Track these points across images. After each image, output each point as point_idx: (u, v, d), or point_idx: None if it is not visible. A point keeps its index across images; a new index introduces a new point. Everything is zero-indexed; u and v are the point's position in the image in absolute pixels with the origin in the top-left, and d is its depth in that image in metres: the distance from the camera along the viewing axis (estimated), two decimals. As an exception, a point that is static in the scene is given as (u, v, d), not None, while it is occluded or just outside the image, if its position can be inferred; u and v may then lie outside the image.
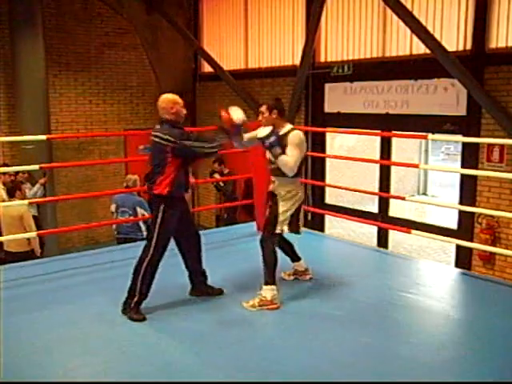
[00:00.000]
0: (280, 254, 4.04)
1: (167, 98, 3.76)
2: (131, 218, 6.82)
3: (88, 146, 10.66)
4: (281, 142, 3.83)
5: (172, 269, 3.99)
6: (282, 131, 3.90)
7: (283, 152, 3.82)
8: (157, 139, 3.65)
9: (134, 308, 3.63)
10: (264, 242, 3.88)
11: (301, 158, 3.89)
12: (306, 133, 8.87)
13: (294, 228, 4.03)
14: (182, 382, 2.89)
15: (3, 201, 6.80)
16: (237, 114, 3.87)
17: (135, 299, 3.64)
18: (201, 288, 4.01)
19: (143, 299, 3.67)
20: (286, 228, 3.93)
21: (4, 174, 7.67)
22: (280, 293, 3.90)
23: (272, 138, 3.81)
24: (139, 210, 6.81)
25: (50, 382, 2.89)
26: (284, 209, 3.90)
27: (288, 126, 3.95)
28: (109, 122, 10.98)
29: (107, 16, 10.77)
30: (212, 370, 3.03)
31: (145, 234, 6.77)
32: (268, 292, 3.80)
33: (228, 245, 5.14)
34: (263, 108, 3.97)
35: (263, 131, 3.88)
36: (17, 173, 7.79)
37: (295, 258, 4.34)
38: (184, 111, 3.78)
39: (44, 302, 3.93)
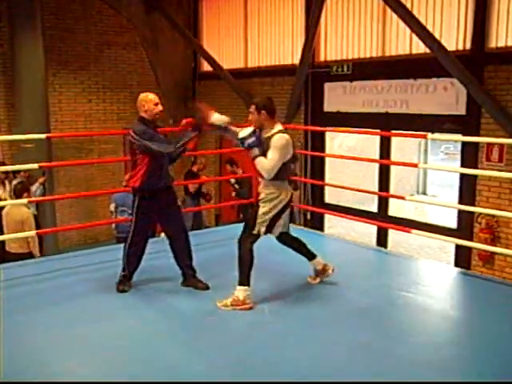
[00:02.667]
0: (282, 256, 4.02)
1: (140, 96, 4.08)
2: (130, 217, 6.80)
3: (87, 145, 10.65)
4: (262, 144, 3.80)
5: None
6: (269, 133, 3.84)
7: (264, 154, 3.79)
8: (130, 137, 4.01)
9: (120, 280, 4.11)
10: (241, 241, 3.87)
11: (282, 161, 3.80)
12: (305, 132, 9.03)
13: (269, 230, 3.93)
14: (181, 383, 2.88)
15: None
16: (217, 118, 3.94)
17: (122, 273, 4.12)
18: (190, 280, 4.19)
19: (128, 276, 4.12)
20: (263, 230, 3.86)
21: (14, 174, 7.71)
22: (277, 291, 3.89)
23: (251, 140, 3.79)
24: None
25: (50, 382, 2.87)
26: (263, 211, 3.86)
27: (276, 128, 3.87)
28: (108, 121, 10.97)
29: (107, 15, 10.75)
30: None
31: None
32: (241, 292, 3.78)
33: (228, 244, 5.07)
34: (252, 108, 3.91)
35: (244, 132, 3.86)
36: (17, 172, 7.80)
37: (310, 256, 4.23)
38: (157, 109, 4.01)
39: (43, 301, 3.92)
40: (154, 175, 3.99)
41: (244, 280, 3.80)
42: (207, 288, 4.12)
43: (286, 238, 4.21)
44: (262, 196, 3.91)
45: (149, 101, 4.01)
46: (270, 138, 3.81)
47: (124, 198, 7.00)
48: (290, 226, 4.30)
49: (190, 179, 8.15)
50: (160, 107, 4.05)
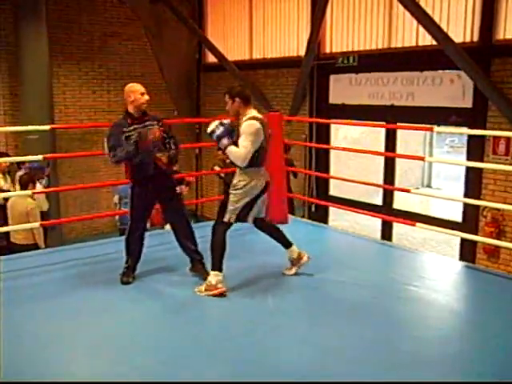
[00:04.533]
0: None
1: (126, 87, 4.07)
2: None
3: (92, 137, 10.62)
4: (232, 133, 3.82)
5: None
6: (241, 120, 3.86)
7: (236, 143, 3.80)
8: None
9: (124, 272, 4.12)
10: (214, 228, 3.93)
11: (254, 147, 3.79)
12: (310, 124, 8.98)
13: (243, 218, 3.97)
14: (181, 382, 2.87)
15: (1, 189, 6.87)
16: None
17: (126, 265, 4.13)
18: (197, 267, 4.21)
19: (132, 267, 4.13)
20: (233, 218, 3.89)
21: (19, 166, 7.71)
22: (281, 285, 3.87)
23: (218, 131, 3.81)
24: None
25: (50, 382, 2.86)
26: (234, 199, 3.88)
27: (248, 115, 3.86)
28: (112, 112, 10.92)
29: (111, 5, 10.71)
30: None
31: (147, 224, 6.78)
32: (213, 277, 3.85)
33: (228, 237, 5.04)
34: (226, 97, 3.92)
35: (211, 126, 3.87)
36: (21, 163, 7.80)
37: (286, 243, 4.21)
38: (143, 99, 3.99)
39: (46, 293, 3.93)
40: (139, 166, 4.01)
41: (216, 265, 3.87)
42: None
43: (262, 225, 4.21)
44: (233, 183, 3.94)
45: (135, 91, 4.00)
46: (240, 125, 3.84)
47: (128, 189, 7.00)
48: (266, 212, 4.27)
49: None
50: (146, 97, 4.02)
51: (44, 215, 7.19)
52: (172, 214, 4.27)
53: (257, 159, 3.85)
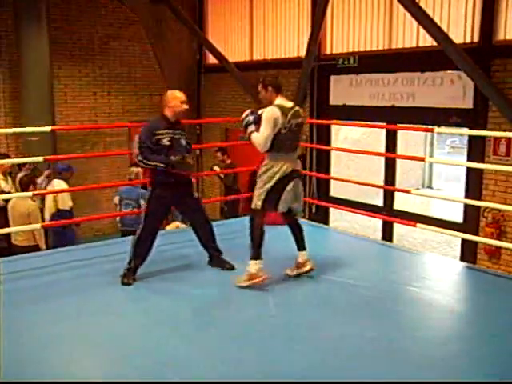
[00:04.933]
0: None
1: (168, 92, 4.21)
2: (135, 210, 6.84)
3: (92, 138, 10.66)
4: (259, 120, 3.94)
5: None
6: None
7: (258, 129, 3.92)
8: None
9: (125, 273, 4.09)
10: (250, 219, 4.02)
11: (272, 132, 3.87)
12: (310, 125, 8.98)
13: (273, 205, 3.99)
14: (181, 382, 2.87)
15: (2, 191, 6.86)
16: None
17: (128, 266, 4.11)
18: (216, 261, 4.39)
19: (133, 269, 4.11)
20: (259, 203, 3.95)
21: (19, 167, 7.72)
22: (282, 286, 3.88)
23: (247, 119, 3.98)
24: (143, 203, 6.81)
25: (50, 382, 2.87)
26: (258, 185, 3.99)
27: (275, 103, 3.95)
28: (113, 114, 10.96)
29: (112, 7, 10.73)
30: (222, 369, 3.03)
31: None
32: (252, 266, 3.93)
33: (228, 238, 5.07)
34: (259, 86, 4.05)
35: (243, 115, 4.03)
36: (22, 165, 7.81)
37: (302, 246, 4.24)
38: (182, 107, 4.12)
39: (47, 295, 3.93)
40: (162, 171, 4.09)
41: (254, 254, 3.94)
42: (233, 268, 4.31)
43: (291, 220, 4.23)
44: (260, 170, 4.03)
45: (176, 98, 4.14)
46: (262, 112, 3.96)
47: (129, 191, 7.02)
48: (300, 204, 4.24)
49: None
50: (186, 106, 4.16)
51: (66, 214, 7.18)
52: (193, 217, 4.38)
53: (277, 144, 3.91)
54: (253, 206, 3.99)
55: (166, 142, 4.06)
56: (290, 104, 4.02)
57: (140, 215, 6.74)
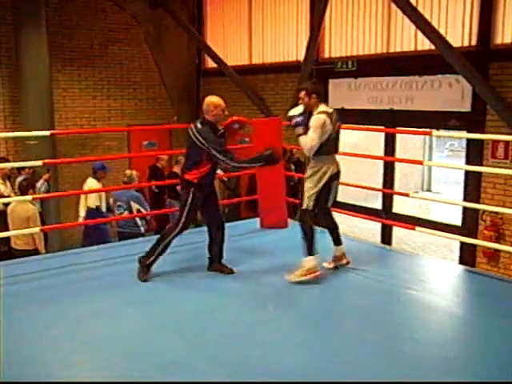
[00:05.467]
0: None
1: (211, 99, 4.20)
2: (126, 212, 6.87)
3: (92, 142, 10.65)
4: (308, 124, 4.09)
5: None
6: (313, 115, 4.12)
7: (306, 133, 4.08)
8: (194, 137, 4.10)
9: (144, 268, 4.16)
10: (300, 220, 4.21)
11: (320, 139, 4.06)
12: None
13: (324, 203, 4.20)
14: (181, 382, 2.88)
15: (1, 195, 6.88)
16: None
17: (150, 259, 4.16)
18: (215, 265, 4.41)
19: (150, 266, 4.17)
20: (311, 204, 4.14)
21: (18, 171, 7.73)
22: (282, 288, 3.88)
23: (298, 118, 4.13)
24: (133, 205, 6.85)
25: (50, 382, 2.87)
26: (309, 186, 4.17)
27: (319, 109, 4.12)
28: (112, 118, 10.98)
29: (111, 11, 10.75)
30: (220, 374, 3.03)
31: (142, 229, 6.80)
32: (307, 262, 4.10)
33: (229, 241, 5.07)
34: (302, 93, 4.19)
35: (294, 110, 4.18)
36: (22, 169, 7.82)
37: (336, 241, 4.49)
38: (223, 116, 4.21)
39: (46, 298, 3.92)
40: (211, 174, 4.24)
41: (309, 251, 4.12)
42: (232, 272, 4.35)
43: (327, 215, 4.42)
44: (307, 172, 4.23)
45: (219, 106, 4.17)
46: (310, 118, 4.11)
47: (121, 193, 7.02)
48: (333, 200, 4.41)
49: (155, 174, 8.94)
50: (226, 113, 4.24)
51: (93, 212, 7.17)
52: (210, 216, 4.42)
53: (325, 148, 4.13)
54: (304, 207, 4.17)
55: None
56: (331, 109, 4.23)
57: (132, 218, 6.81)
